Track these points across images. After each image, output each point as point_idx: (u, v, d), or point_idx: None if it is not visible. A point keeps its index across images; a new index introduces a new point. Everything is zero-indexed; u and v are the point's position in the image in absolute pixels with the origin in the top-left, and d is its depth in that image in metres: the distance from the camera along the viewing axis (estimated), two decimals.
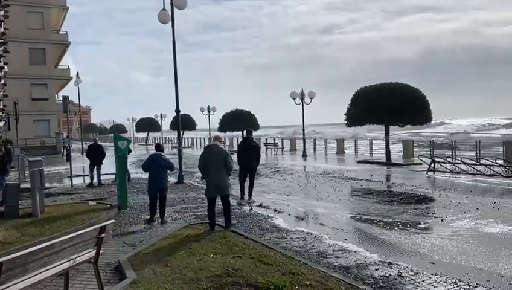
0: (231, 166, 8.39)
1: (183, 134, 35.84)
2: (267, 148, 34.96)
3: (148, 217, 9.45)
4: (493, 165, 16.00)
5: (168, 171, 9.61)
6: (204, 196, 12.59)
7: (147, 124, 60.90)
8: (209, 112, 42.73)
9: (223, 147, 8.70)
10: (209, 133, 42.70)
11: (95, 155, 15.99)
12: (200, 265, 5.90)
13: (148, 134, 62.38)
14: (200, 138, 48.78)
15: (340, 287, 5.07)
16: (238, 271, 5.60)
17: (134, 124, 64.33)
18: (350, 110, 22.83)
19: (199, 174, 18.61)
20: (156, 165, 9.29)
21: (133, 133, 63.94)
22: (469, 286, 5.39)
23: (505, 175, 15.22)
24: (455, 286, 5.41)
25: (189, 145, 48.94)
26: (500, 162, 16.91)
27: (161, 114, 55.87)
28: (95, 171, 15.87)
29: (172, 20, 15.73)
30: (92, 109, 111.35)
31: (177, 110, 16.84)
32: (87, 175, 16.52)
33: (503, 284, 5.46)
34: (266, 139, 39.12)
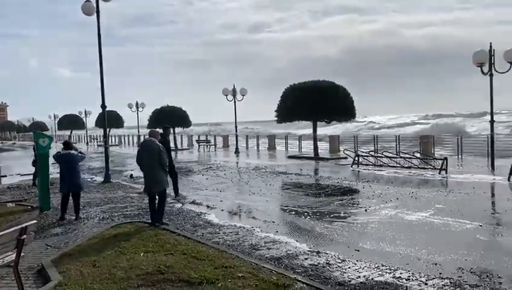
0: (165, 162, 8.31)
1: (109, 131, 34.48)
2: (199, 146, 34.73)
3: (75, 216, 9.19)
4: (411, 158, 17.21)
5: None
6: (133, 195, 12.36)
7: (70, 122, 57.68)
8: (137, 108, 41.37)
9: (157, 142, 8.51)
10: (138, 131, 41.51)
11: None
12: (130, 264, 5.75)
13: (71, 132, 59.13)
14: (129, 136, 47.28)
15: (272, 277, 5.21)
16: (170, 268, 5.54)
17: (56, 121, 60.76)
18: (280, 107, 23.38)
19: (128, 172, 18.17)
20: (67, 164, 9.02)
21: (55, 131, 60.40)
22: (390, 269, 5.77)
23: (421, 167, 16.43)
24: (378, 270, 5.77)
25: (117, 143, 47.20)
26: (417, 155, 18.20)
27: (85, 111, 53.27)
28: None
29: (98, 12, 15.07)
30: (8, 106, 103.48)
31: (103, 106, 16.15)
32: (5, 176, 15.32)
33: (420, 267, 5.90)
34: (198, 136, 38.85)
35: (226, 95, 28.59)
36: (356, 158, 18.32)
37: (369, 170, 17.00)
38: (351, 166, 17.99)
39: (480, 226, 7.93)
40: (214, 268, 5.52)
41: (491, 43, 15.67)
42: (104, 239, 7.19)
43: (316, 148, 23.30)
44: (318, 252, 6.56)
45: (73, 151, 9.24)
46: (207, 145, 33.89)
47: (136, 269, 5.52)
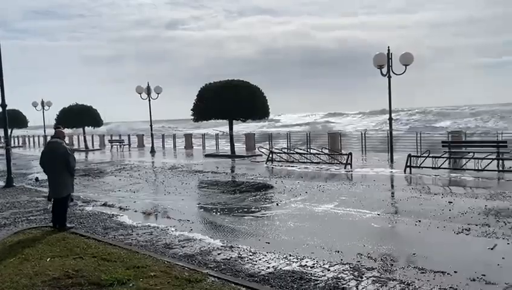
0: (72, 165, 7.97)
1: (11, 132, 31.84)
2: (112, 146, 33.46)
3: None
4: (320, 154, 18.22)
5: None
6: (38, 199, 11.67)
7: None
8: (43, 106, 38.70)
9: (64, 143, 8.11)
10: (44, 131, 38.86)
11: None
12: (36, 270, 5.51)
13: None
14: (34, 136, 44.08)
15: (184, 273, 5.32)
16: (79, 272, 5.41)
17: None
18: (196, 106, 23.37)
19: (33, 175, 17.03)
20: None
21: None
22: (297, 259, 6.17)
23: (329, 162, 17.48)
24: (286, 260, 6.13)
25: (20, 145, 43.77)
26: (326, 151, 19.30)
27: None
28: None
29: None
30: None
31: (3, 105, 14.95)
32: None
33: (324, 254, 6.38)
34: (111, 136, 37.38)
35: (140, 93, 27.87)
36: (270, 155, 18.94)
37: (281, 166, 17.69)
38: (266, 163, 18.56)
39: (378, 215, 8.71)
40: (125, 269, 5.49)
41: (389, 47, 17.11)
42: (6, 247, 6.77)
43: (232, 146, 23.65)
44: (231, 247, 6.79)
45: None
46: (120, 145, 32.78)
47: (42, 275, 5.31)
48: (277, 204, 10.08)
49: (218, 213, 9.41)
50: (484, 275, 5.23)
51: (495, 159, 13.80)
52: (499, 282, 5.04)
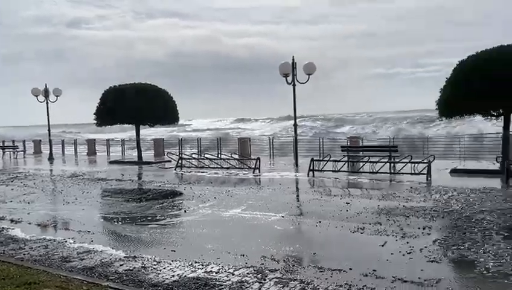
0: None
1: None
2: (4, 152, 30.56)
3: None
4: (230, 159, 18.41)
5: None
6: None
7: None
8: None
9: None
10: None
11: None
12: None
13: None
14: None
15: (82, 287, 5.05)
16: None
17: None
18: (99, 110, 22.29)
19: None
20: None
21: None
22: (202, 265, 6.17)
23: (238, 167, 17.74)
24: (191, 267, 6.10)
25: None
26: (236, 156, 19.56)
27: None
28: None
29: None
30: None
31: None
32: None
33: (229, 259, 6.45)
34: (3, 141, 34.14)
35: (37, 96, 25.84)
36: (179, 161, 18.69)
37: (191, 172, 17.54)
38: (175, 169, 18.28)
39: (283, 217, 9.04)
40: (15, 286, 5.05)
41: (293, 57, 17.86)
42: None
43: (139, 152, 22.92)
44: (134, 257, 6.57)
45: None
46: (14, 152, 30.06)
47: None
48: (185, 211, 9.98)
49: (122, 223, 9.06)
50: (375, 271, 5.69)
51: (387, 162, 15.08)
52: (388, 276, 5.51)
